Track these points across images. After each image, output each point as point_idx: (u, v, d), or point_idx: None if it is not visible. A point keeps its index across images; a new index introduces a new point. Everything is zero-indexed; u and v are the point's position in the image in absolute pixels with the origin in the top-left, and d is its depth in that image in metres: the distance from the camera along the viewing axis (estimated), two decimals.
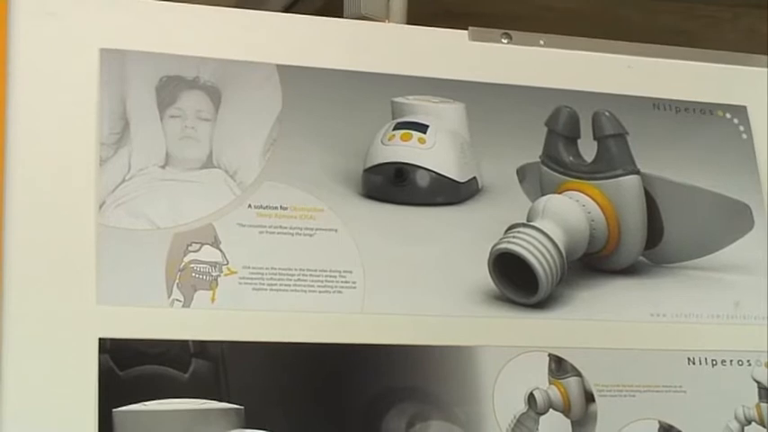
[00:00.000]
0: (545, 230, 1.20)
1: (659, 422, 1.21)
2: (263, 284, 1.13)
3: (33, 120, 1.11)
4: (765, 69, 1.41)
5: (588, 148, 1.28)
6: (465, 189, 1.26)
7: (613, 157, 1.27)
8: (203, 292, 1.11)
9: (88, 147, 1.12)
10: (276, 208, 1.17)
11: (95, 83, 1.15)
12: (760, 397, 1.25)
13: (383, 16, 1.38)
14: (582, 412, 1.19)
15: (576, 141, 1.28)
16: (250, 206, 1.16)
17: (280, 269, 1.14)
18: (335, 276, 1.15)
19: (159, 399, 1.06)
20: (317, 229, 1.17)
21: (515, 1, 1.85)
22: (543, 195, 1.26)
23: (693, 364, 1.24)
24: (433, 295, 1.18)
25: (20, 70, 1.12)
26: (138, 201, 1.12)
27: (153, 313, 1.09)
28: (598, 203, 1.25)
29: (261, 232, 1.15)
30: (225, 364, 1.09)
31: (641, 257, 1.28)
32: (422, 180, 1.24)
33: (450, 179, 1.25)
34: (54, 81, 1.14)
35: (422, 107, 1.26)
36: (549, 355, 1.20)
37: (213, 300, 1.11)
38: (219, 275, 1.12)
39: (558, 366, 1.19)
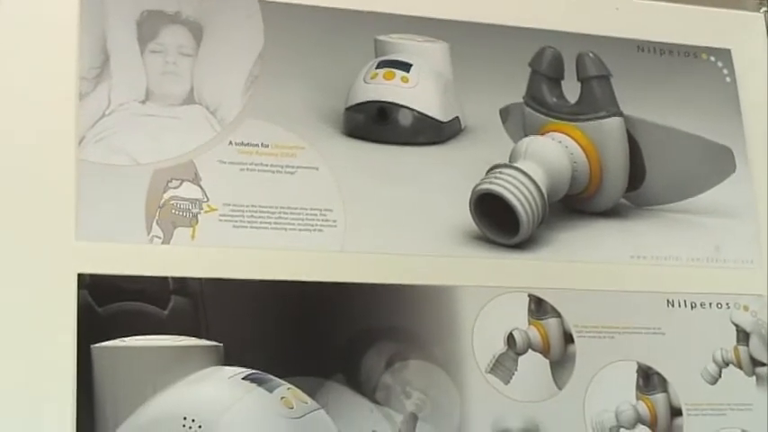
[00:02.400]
0: (527, 171, 1.20)
1: (638, 363, 1.21)
2: (244, 222, 1.13)
3: (11, 52, 1.10)
4: (750, 13, 1.40)
5: (572, 90, 1.27)
6: (447, 129, 1.25)
7: (597, 98, 1.26)
8: (183, 228, 1.11)
9: (68, 81, 1.11)
10: (257, 145, 1.16)
11: (75, 16, 1.14)
12: (738, 340, 1.26)
13: None
14: (561, 353, 1.19)
15: (559, 82, 1.28)
16: (231, 143, 1.15)
17: (260, 207, 1.14)
18: (316, 214, 1.15)
19: (138, 335, 1.05)
20: (298, 167, 1.17)
21: None
22: (526, 136, 1.25)
23: (673, 306, 1.25)
24: (413, 235, 1.18)
25: None
26: (117, 136, 1.12)
27: (132, 249, 1.09)
28: (580, 145, 1.25)
29: (242, 169, 1.15)
30: (204, 302, 1.09)
31: (623, 199, 1.28)
32: (404, 119, 1.23)
33: (432, 118, 1.24)
34: (33, 14, 1.12)
35: (405, 46, 1.26)
36: (529, 295, 1.20)
37: (193, 237, 1.11)
38: (200, 212, 1.12)
39: (538, 307, 1.20)
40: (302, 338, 1.11)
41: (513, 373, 1.17)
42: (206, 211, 1.12)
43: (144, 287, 1.07)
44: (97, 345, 1.04)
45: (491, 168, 1.21)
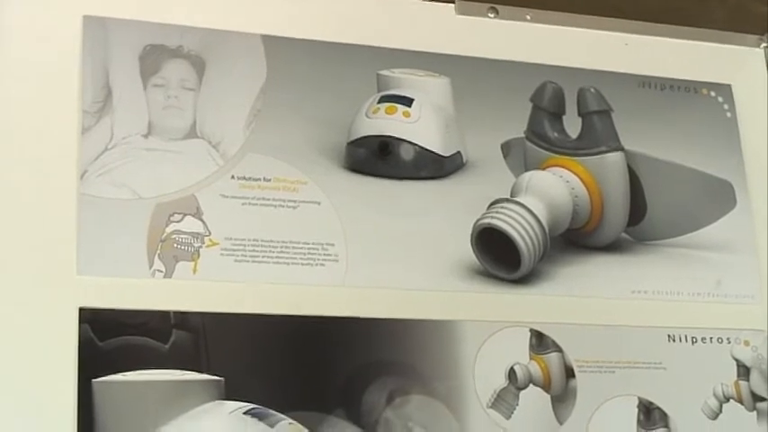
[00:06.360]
0: (528, 206, 1.20)
1: (638, 398, 1.21)
2: (246, 256, 1.13)
3: (15, 87, 1.11)
4: (750, 48, 1.41)
5: (573, 125, 1.28)
6: (449, 163, 1.25)
7: (598, 133, 1.26)
8: (185, 262, 1.11)
9: (70, 115, 1.12)
10: (259, 179, 1.16)
11: (78, 50, 1.14)
12: (738, 375, 1.26)
13: None
14: (562, 388, 1.19)
15: (560, 117, 1.28)
16: (233, 177, 1.16)
17: (262, 241, 1.14)
18: (318, 249, 1.15)
19: (139, 369, 1.05)
20: (300, 202, 1.17)
21: None
22: (527, 171, 1.26)
23: (673, 341, 1.25)
24: (415, 269, 1.18)
25: (1, 37, 1.11)
26: (120, 170, 1.12)
27: (134, 284, 1.09)
28: (582, 180, 1.25)
29: (243, 204, 1.15)
30: (206, 336, 1.08)
31: (624, 234, 1.28)
32: (406, 154, 1.23)
33: (434, 153, 1.24)
34: (36, 48, 1.13)
35: (407, 80, 1.26)
36: (531, 330, 1.20)
37: (195, 271, 1.11)
38: (201, 246, 1.12)
39: (539, 342, 1.20)
40: (303, 373, 1.11)
41: (515, 408, 1.17)
42: (208, 246, 1.12)
43: (145, 321, 1.07)
44: (98, 379, 1.04)
45: (492, 203, 1.22)
